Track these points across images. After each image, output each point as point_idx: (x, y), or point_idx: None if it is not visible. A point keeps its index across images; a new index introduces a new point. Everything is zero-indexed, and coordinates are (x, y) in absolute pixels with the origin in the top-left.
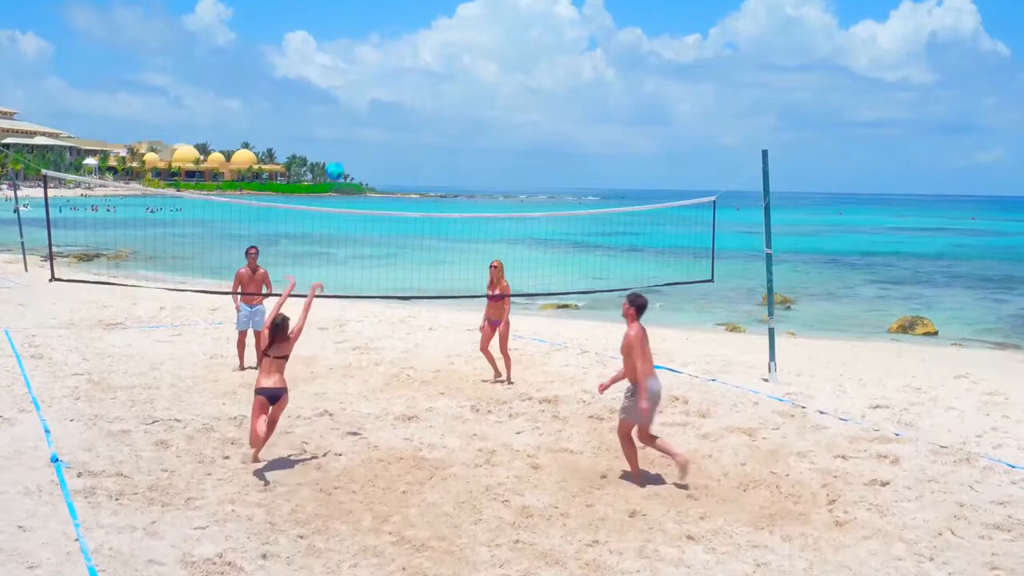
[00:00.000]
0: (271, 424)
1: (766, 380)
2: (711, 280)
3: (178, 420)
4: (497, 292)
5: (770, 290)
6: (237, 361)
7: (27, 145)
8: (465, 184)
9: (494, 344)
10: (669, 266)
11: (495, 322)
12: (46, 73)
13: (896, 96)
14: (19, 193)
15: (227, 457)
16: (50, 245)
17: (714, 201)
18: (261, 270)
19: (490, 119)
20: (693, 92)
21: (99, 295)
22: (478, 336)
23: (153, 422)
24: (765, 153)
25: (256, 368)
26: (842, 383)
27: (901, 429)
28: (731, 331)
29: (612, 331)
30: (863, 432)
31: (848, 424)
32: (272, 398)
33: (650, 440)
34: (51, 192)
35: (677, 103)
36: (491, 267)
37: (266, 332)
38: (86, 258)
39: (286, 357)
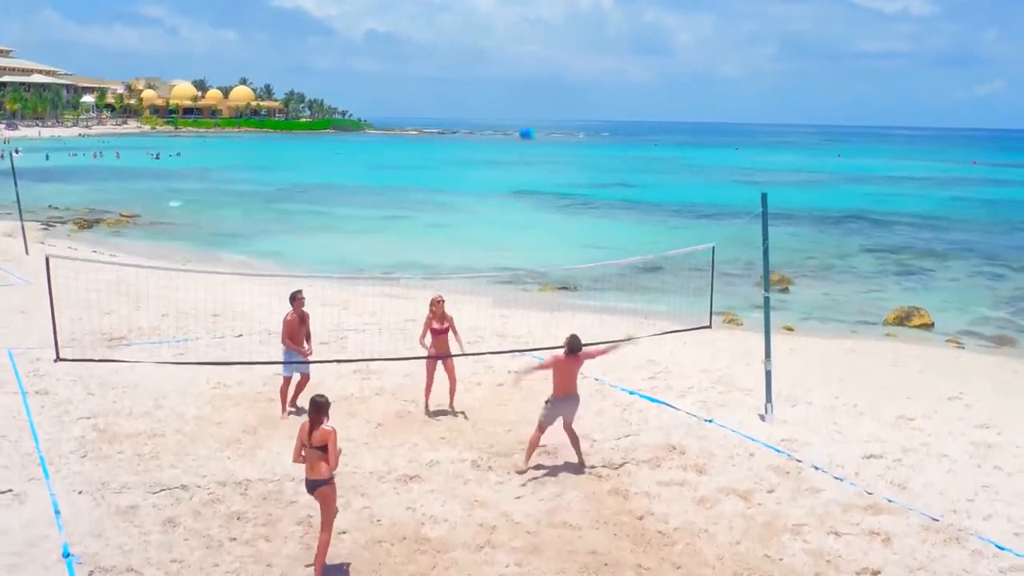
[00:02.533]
0: (324, 526)
1: (762, 417)
2: (709, 327)
3: (184, 487)
4: (445, 326)
5: (767, 332)
6: (239, 390)
7: (24, 84)
8: (463, 116)
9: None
10: (671, 232)
11: (439, 356)
12: (41, 5)
13: (897, 27)
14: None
15: (233, 539)
16: (53, 321)
17: (712, 248)
18: (307, 312)
19: (487, 50)
20: (692, 22)
21: (101, 297)
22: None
23: (160, 490)
24: (764, 196)
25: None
26: (837, 418)
27: (894, 492)
28: (728, 323)
29: (607, 323)
30: (856, 497)
31: (843, 485)
32: (309, 489)
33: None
34: (49, 130)
35: (676, 33)
36: (434, 303)
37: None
38: (85, 225)
39: (325, 449)
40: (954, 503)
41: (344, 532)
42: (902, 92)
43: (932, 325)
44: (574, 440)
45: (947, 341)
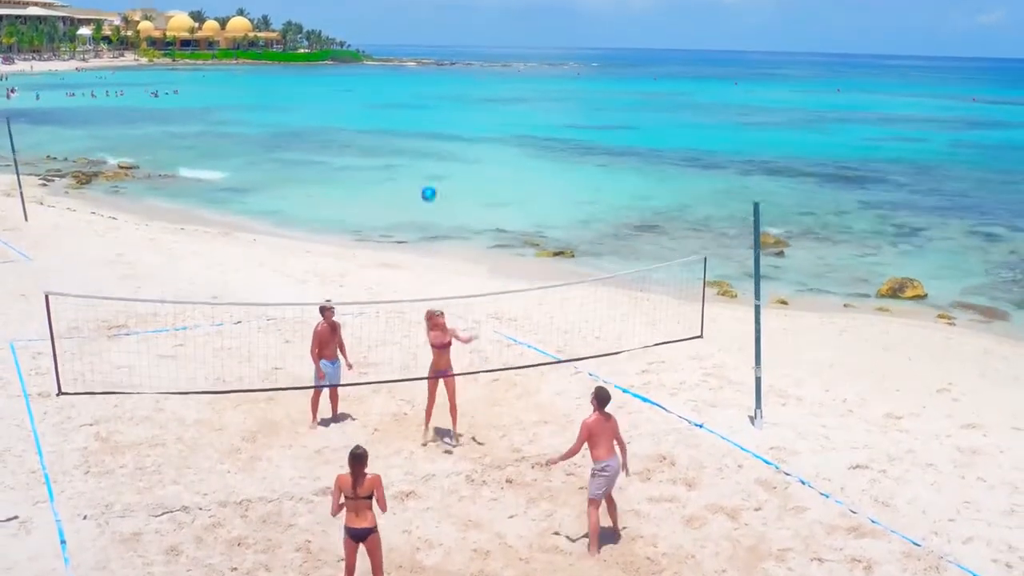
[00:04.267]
0: (376, 571)
1: (752, 420)
2: (700, 336)
3: (186, 509)
4: (447, 341)
5: (758, 339)
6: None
7: (20, 16)
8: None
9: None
10: (669, 183)
11: (441, 372)
12: None
13: None
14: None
15: (235, 569)
16: (55, 356)
17: (704, 259)
18: (337, 322)
19: None
20: None
21: (102, 277)
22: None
23: (162, 513)
24: (757, 206)
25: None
26: (826, 420)
27: (877, 511)
28: (722, 295)
29: (602, 298)
30: (841, 518)
31: (828, 503)
32: (359, 538)
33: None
34: (45, 65)
35: None
36: (432, 321)
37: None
38: (84, 179)
39: (371, 497)
40: (935, 523)
41: (340, 560)
42: (903, 20)
43: (925, 296)
44: (611, 504)
45: (938, 317)
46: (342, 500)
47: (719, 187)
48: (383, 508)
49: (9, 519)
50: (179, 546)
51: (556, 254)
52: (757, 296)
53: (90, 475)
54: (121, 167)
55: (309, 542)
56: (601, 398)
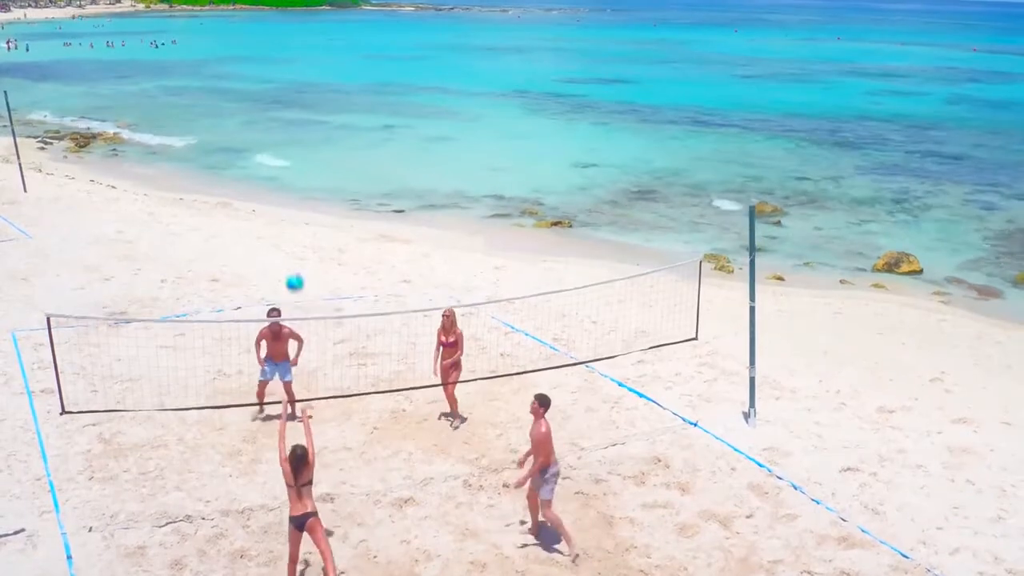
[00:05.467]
0: (323, 555)
1: (746, 416)
2: (695, 338)
3: (189, 519)
4: (452, 340)
5: (752, 349)
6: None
7: None
8: None
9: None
10: (668, 143)
11: (449, 366)
12: None
13: None
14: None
15: None
16: (58, 379)
17: (699, 262)
18: (284, 329)
19: None
20: None
21: (101, 258)
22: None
23: (166, 524)
24: (752, 209)
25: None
26: (819, 417)
27: (867, 519)
28: (719, 269)
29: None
30: (831, 527)
31: (818, 510)
32: (301, 525)
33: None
34: (41, 12)
35: None
36: (444, 316)
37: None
38: (83, 143)
39: (311, 482)
40: (924, 532)
41: (343, 573)
42: None
43: (920, 272)
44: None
45: (933, 294)
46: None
47: (717, 149)
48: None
49: (16, 532)
50: (183, 560)
51: (554, 224)
52: (752, 298)
53: (94, 481)
54: (120, 125)
55: (310, 553)
56: (545, 404)
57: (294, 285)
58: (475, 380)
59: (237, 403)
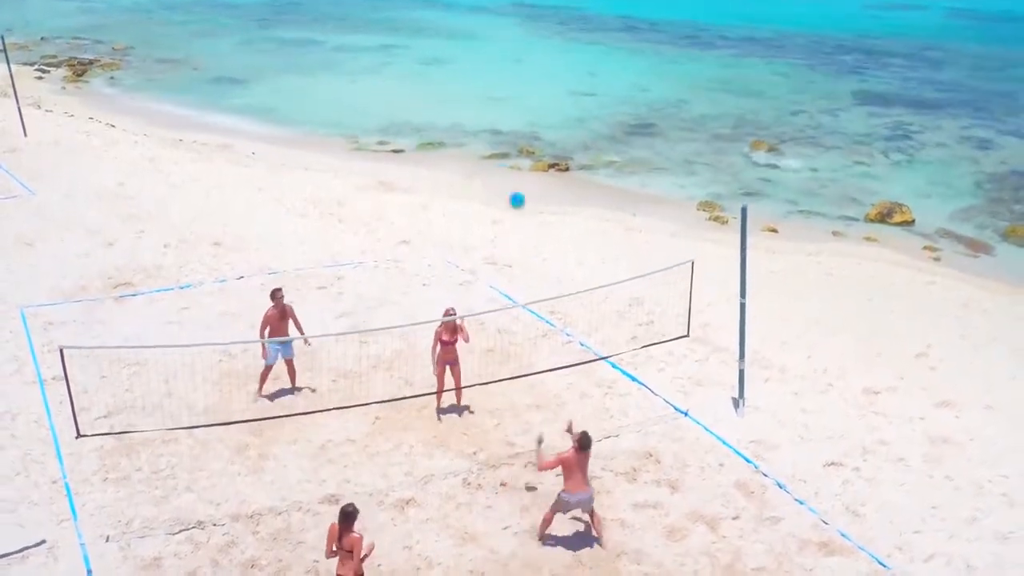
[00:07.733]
0: None
1: (735, 402)
2: (687, 335)
3: (201, 524)
4: (454, 338)
5: (742, 342)
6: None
7: None
8: None
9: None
10: (666, 69)
11: (449, 363)
12: None
13: None
14: None
15: None
16: (71, 402)
17: (692, 263)
18: (288, 307)
19: None
20: None
21: (104, 219)
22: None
23: (179, 531)
24: (744, 210)
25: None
26: (805, 403)
27: (847, 521)
28: (713, 220)
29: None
30: (812, 531)
31: (802, 511)
32: None
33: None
34: None
35: None
36: (446, 313)
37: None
38: (80, 70)
39: (351, 552)
40: (901, 535)
41: None
42: None
43: (912, 223)
44: (596, 522)
45: (924, 248)
46: (334, 548)
47: (714, 75)
48: (356, 571)
49: (37, 544)
50: (197, 571)
51: (551, 166)
52: (743, 295)
53: (108, 483)
54: (116, 50)
55: (316, 562)
56: (582, 442)
57: (518, 202)
58: (476, 383)
59: (240, 402)
